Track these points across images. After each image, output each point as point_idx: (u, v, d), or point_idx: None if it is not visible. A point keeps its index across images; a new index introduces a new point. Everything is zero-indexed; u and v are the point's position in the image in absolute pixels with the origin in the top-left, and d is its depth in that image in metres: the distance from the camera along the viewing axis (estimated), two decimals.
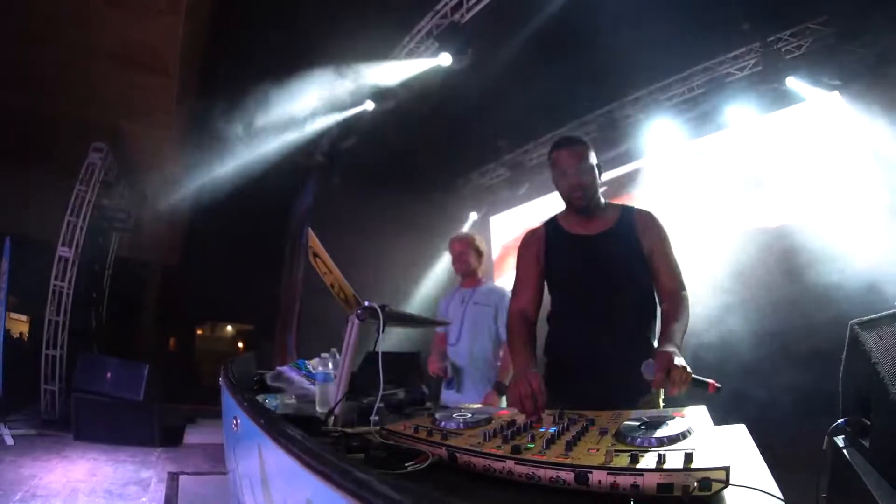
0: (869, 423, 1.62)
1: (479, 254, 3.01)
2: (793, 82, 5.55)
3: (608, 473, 0.77)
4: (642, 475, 0.75)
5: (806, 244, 4.97)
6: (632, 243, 1.73)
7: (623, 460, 0.80)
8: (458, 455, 0.97)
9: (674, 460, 0.76)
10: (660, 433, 0.90)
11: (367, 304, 1.39)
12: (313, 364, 2.01)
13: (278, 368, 2.10)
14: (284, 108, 6.32)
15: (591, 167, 1.75)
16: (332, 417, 1.37)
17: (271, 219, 9.13)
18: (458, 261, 2.98)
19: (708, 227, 6.01)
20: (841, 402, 1.83)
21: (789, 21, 5.52)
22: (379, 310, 1.39)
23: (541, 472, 0.84)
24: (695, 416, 1.08)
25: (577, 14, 5.03)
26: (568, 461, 0.83)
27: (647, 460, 0.78)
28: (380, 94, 6.33)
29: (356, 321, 1.41)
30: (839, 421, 1.94)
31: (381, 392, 1.37)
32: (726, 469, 0.73)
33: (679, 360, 1.25)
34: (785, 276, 4.96)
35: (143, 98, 6.38)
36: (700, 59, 6.15)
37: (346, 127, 7.21)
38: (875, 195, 4.88)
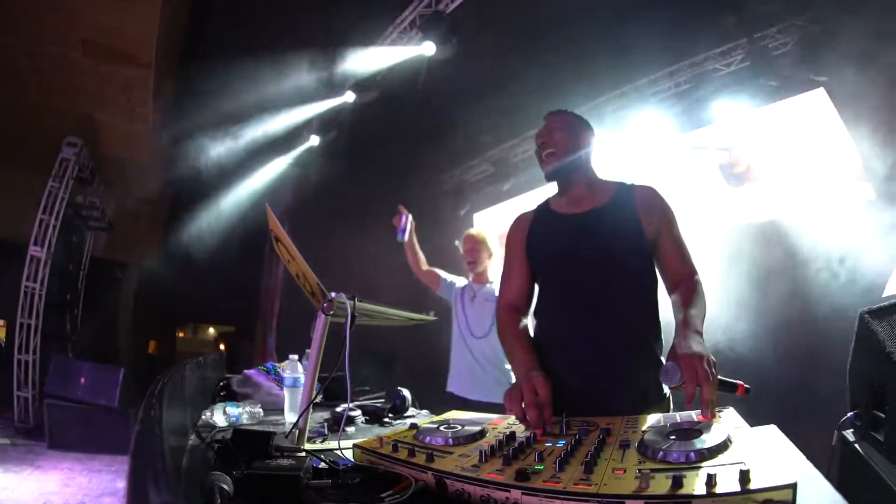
0: (882, 415, 1.55)
1: (490, 255, 3.03)
2: (779, 78, 5.57)
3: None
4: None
5: (793, 239, 4.99)
6: (628, 221, 1.48)
7: (662, 485, 0.65)
8: (447, 481, 0.81)
9: (727, 481, 0.62)
10: (699, 444, 0.75)
11: (333, 295, 1.23)
12: (283, 366, 1.87)
13: (245, 372, 1.95)
14: (265, 100, 6.12)
15: (566, 132, 1.61)
16: (296, 432, 1.20)
17: (252, 216, 8.93)
18: (468, 258, 3.01)
19: (695, 222, 6.01)
20: (850, 394, 1.76)
21: (776, 18, 5.55)
22: (347, 301, 1.23)
23: (557, 503, 0.69)
24: (726, 418, 0.96)
25: (563, 7, 4.96)
26: (592, 489, 0.68)
27: (693, 482, 0.64)
28: (361, 86, 6.14)
29: (323, 317, 1.24)
30: (849, 414, 1.88)
31: (349, 400, 1.21)
32: (793, 487, 0.60)
33: (708, 364, 1.03)
34: (773, 270, 4.97)
35: (118, 89, 6.09)
36: (686, 55, 6.12)
37: (326, 120, 6.99)
38: (859, 189, 4.92)
